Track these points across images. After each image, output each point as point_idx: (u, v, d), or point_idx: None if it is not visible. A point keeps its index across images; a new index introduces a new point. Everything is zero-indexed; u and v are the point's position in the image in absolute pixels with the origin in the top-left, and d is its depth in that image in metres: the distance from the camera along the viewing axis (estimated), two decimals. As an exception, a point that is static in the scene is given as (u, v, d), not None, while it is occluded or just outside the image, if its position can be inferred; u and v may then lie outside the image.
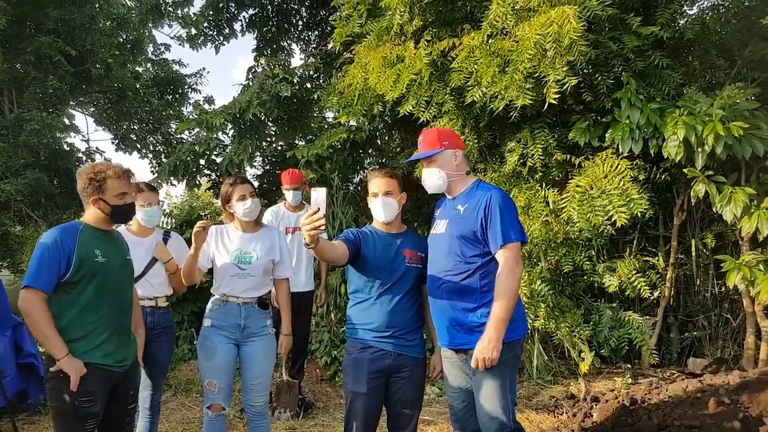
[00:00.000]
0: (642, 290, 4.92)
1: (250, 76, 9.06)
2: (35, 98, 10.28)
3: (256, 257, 3.27)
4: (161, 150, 12.81)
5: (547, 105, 4.24)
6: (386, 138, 7.88)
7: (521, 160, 5.04)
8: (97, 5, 11.30)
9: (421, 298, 2.98)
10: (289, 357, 4.86)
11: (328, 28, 7.96)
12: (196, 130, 8.03)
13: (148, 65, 13.31)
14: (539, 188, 4.95)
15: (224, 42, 9.21)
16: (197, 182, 8.10)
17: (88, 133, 15.45)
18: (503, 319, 2.53)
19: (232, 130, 7.70)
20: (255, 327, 3.28)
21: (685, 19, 5.43)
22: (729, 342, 5.42)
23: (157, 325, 3.52)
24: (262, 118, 7.33)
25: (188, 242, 3.80)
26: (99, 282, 2.61)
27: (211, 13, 8.62)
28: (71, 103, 12.15)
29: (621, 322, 5.15)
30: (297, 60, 18.34)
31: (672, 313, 5.69)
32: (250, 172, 8.67)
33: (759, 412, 3.45)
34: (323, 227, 2.39)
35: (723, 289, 5.38)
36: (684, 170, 4.52)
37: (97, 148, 12.01)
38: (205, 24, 8.84)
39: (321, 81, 8.28)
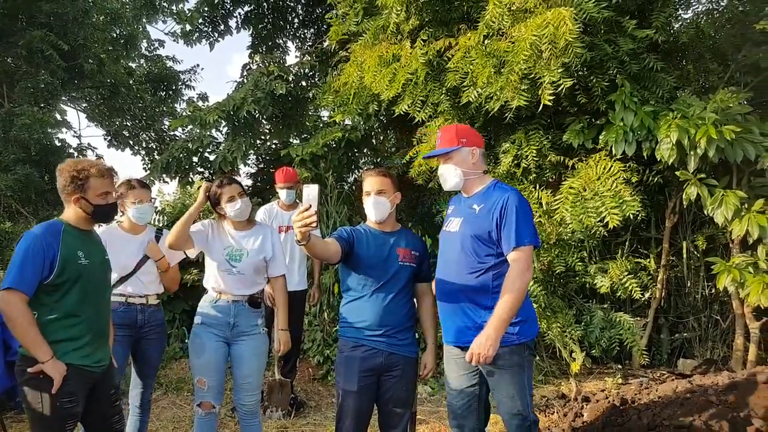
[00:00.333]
0: (633, 291, 4.95)
1: (245, 73, 9.01)
2: (26, 93, 10.17)
3: (246, 254, 3.26)
4: (154, 147, 12.71)
5: (541, 106, 4.26)
6: (381, 137, 7.88)
7: (515, 161, 5.06)
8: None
9: (414, 297, 2.99)
10: (281, 356, 4.85)
11: (324, 26, 7.95)
12: (190, 127, 7.97)
13: (142, 61, 13.21)
14: (533, 189, 4.97)
15: (219, 38, 9.15)
16: (190, 180, 8.06)
17: (80, 129, 15.40)
18: (505, 319, 2.54)
19: (226, 128, 7.66)
20: (245, 325, 3.27)
21: (680, 23, 5.48)
22: (718, 343, 5.46)
23: (147, 323, 3.50)
24: (257, 115, 7.30)
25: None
26: (82, 284, 2.56)
27: (206, 9, 8.56)
28: (63, 98, 12.03)
29: (612, 323, 5.19)
30: (292, 58, 18.31)
31: (663, 314, 5.73)
32: (244, 170, 8.66)
33: (747, 413, 3.47)
34: (314, 224, 2.39)
35: (713, 291, 5.42)
36: (676, 173, 4.55)
37: (89, 144, 11.97)
38: (200, 20, 8.78)
39: (316, 79, 8.27)
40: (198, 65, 14.57)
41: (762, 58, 4.87)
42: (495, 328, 2.53)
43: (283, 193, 4.79)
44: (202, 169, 8.06)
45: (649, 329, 5.50)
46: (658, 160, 4.51)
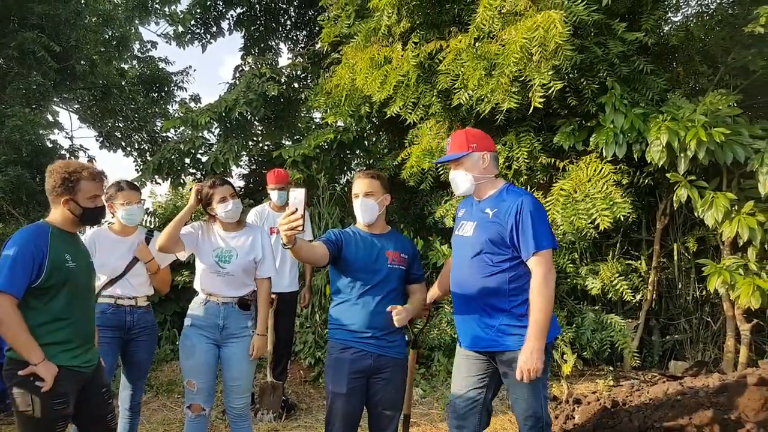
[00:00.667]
0: (624, 293, 4.97)
1: (237, 75, 9.01)
2: (18, 94, 10.10)
3: (236, 256, 3.25)
4: (146, 148, 12.64)
5: (532, 109, 4.28)
6: (373, 139, 7.88)
7: (506, 163, 5.07)
8: (82, 1, 11.17)
9: (403, 299, 2.98)
10: (272, 358, 4.84)
11: (317, 28, 7.94)
12: (182, 128, 7.95)
13: (134, 62, 13.13)
14: (524, 191, 4.97)
15: (211, 40, 9.17)
16: (182, 181, 8.03)
17: (71, 130, 15.23)
18: (543, 327, 2.54)
19: (218, 129, 7.65)
20: (235, 328, 3.26)
21: (670, 26, 5.50)
22: (709, 345, 5.47)
23: (137, 325, 3.48)
24: (249, 117, 7.29)
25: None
26: (69, 288, 2.55)
27: (198, 11, 8.56)
28: (55, 99, 11.95)
29: (603, 325, 5.21)
30: (284, 59, 18.28)
31: (654, 316, 5.74)
32: (236, 172, 8.64)
33: (738, 415, 3.48)
34: (301, 228, 2.38)
35: (704, 292, 5.44)
36: (667, 175, 4.57)
37: (81, 145, 11.96)
38: (193, 22, 8.78)
39: (308, 81, 8.26)
40: (190, 67, 14.52)
41: (751, 60, 4.89)
42: (536, 338, 2.53)
43: (274, 195, 4.79)
44: (194, 171, 8.03)
45: (641, 331, 5.51)
46: (649, 162, 4.53)
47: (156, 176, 7.69)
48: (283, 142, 8.49)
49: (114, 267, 3.42)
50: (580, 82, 4.67)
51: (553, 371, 5.62)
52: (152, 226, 7.27)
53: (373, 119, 6.58)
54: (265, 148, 8.50)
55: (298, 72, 7.99)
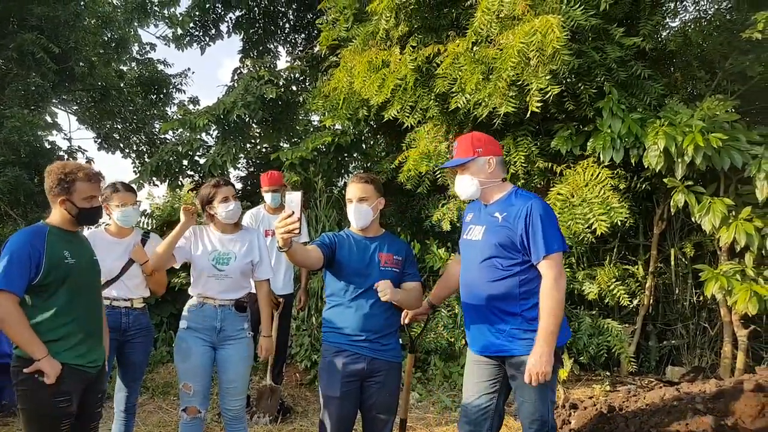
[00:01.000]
0: (621, 298, 4.97)
1: (236, 77, 9.01)
2: (17, 95, 10.11)
3: (234, 258, 3.25)
4: (145, 150, 12.64)
5: (529, 113, 4.27)
6: (371, 142, 7.88)
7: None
8: (82, 3, 11.18)
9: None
10: (272, 361, 4.82)
11: (315, 32, 7.95)
12: (180, 130, 7.96)
13: (133, 64, 13.14)
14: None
15: (210, 43, 9.17)
16: (180, 183, 8.03)
17: (70, 132, 15.25)
18: (553, 332, 2.54)
19: (216, 131, 7.64)
20: (231, 330, 3.26)
21: (668, 31, 5.52)
22: (706, 351, 5.46)
23: (132, 326, 3.48)
24: (247, 119, 7.29)
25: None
26: (70, 284, 2.59)
27: (197, 13, 8.57)
28: (54, 100, 11.95)
29: (600, 330, 5.20)
30: (283, 62, 18.31)
31: (651, 321, 5.73)
32: (234, 174, 8.63)
33: (734, 421, 3.48)
34: (297, 231, 2.37)
35: (701, 298, 5.43)
36: (664, 180, 4.57)
37: (79, 146, 11.88)
38: (191, 24, 8.79)
39: (307, 84, 8.27)
40: (189, 69, 14.55)
41: (749, 66, 4.89)
42: (546, 342, 2.53)
43: (268, 197, 4.77)
44: (192, 173, 8.03)
45: (637, 336, 5.50)
46: (646, 167, 4.53)
47: (154, 178, 7.69)
48: (281, 144, 8.49)
49: (110, 268, 3.41)
50: (578, 86, 4.67)
51: (550, 376, 5.62)
52: (149, 228, 7.27)
53: (371, 122, 6.59)
54: (263, 150, 8.50)
55: (297, 75, 8.00)
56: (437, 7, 5.10)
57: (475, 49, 4.43)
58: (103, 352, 2.87)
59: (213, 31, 9.07)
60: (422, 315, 3.18)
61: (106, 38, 12.28)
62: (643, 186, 5.07)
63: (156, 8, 11.37)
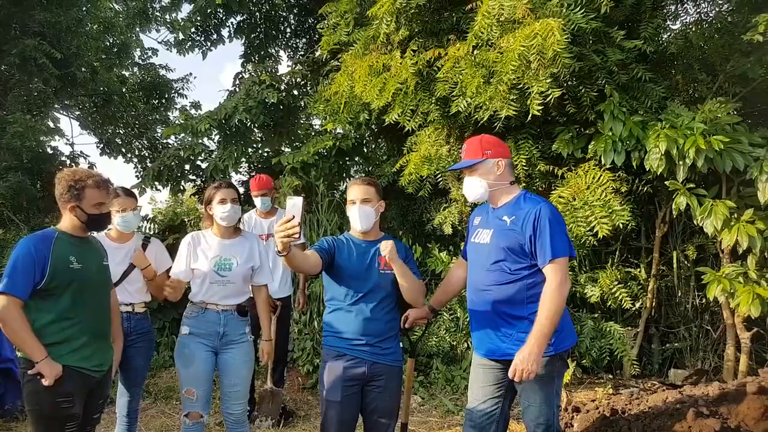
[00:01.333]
0: (624, 301, 4.95)
1: (237, 82, 9.03)
2: (19, 101, 10.17)
3: (236, 264, 3.25)
4: (147, 155, 12.66)
5: (530, 116, 4.27)
6: (372, 146, 7.89)
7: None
8: (84, 8, 11.22)
9: (398, 305, 2.97)
10: (272, 365, 4.82)
11: (316, 36, 7.97)
12: (182, 135, 7.98)
13: (135, 69, 13.19)
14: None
15: (211, 47, 9.18)
16: (182, 187, 8.05)
17: (72, 137, 15.26)
18: (546, 334, 2.54)
19: (218, 136, 7.66)
20: (233, 334, 3.26)
21: (669, 34, 5.50)
22: (709, 353, 5.45)
23: (134, 331, 3.48)
24: (248, 124, 7.32)
25: (170, 248, 3.78)
26: (75, 288, 2.64)
27: (198, 18, 8.58)
28: (56, 106, 12.00)
29: (602, 333, 5.20)
30: (284, 67, 18.33)
31: (653, 324, 5.72)
32: (236, 178, 8.65)
33: (737, 424, 3.46)
34: (297, 236, 2.37)
35: (704, 300, 5.42)
36: (666, 183, 4.56)
37: (81, 151, 11.88)
38: (193, 29, 8.80)
39: (308, 88, 8.28)
40: (191, 74, 14.58)
41: (750, 68, 4.88)
42: (537, 342, 2.52)
43: (258, 201, 4.76)
44: (193, 177, 8.06)
45: (640, 339, 5.49)
46: (647, 169, 4.51)
47: (156, 183, 7.72)
48: (283, 148, 8.50)
49: (111, 273, 3.41)
50: (579, 89, 4.67)
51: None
52: (152, 233, 7.29)
53: (372, 126, 6.59)
54: (265, 154, 8.52)
55: (298, 79, 8.03)
56: (438, 11, 5.10)
57: (475, 52, 4.43)
58: (111, 356, 2.91)
59: (214, 36, 9.08)
60: (423, 319, 3.17)
61: (108, 43, 12.33)
62: (645, 189, 5.07)
63: (157, 13, 11.45)
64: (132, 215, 3.53)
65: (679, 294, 5.63)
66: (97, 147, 12.77)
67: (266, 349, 3.36)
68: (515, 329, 2.69)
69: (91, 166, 11.76)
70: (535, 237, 2.62)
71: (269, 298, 3.82)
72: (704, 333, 5.53)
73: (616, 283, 5.04)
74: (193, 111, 12.09)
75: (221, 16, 8.78)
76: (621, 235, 5.43)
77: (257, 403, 4.74)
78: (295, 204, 2.42)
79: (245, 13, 8.79)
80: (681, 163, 4.31)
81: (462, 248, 3.21)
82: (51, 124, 12.17)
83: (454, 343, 5.61)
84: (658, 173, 4.45)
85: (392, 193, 6.44)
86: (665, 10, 5.39)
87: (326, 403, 2.84)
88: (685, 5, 5.78)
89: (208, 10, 8.39)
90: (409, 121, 5.11)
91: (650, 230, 5.65)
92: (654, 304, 5.51)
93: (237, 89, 8.49)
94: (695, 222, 4.55)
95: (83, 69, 10.95)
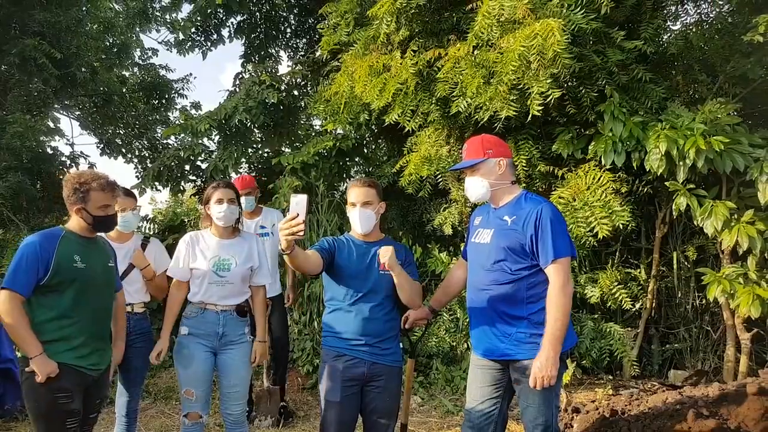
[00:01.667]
0: (623, 302, 4.95)
1: (237, 82, 9.03)
2: (19, 101, 10.14)
3: (235, 264, 3.25)
4: (147, 155, 12.63)
5: (530, 117, 4.27)
6: (372, 146, 7.89)
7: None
8: (84, 8, 11.21)
9: (397, 306, 2.97)
10: (269, 363, 4.82)
11: (316, 36, 7.96)
12: (182, 135, 7.97)
13: (135, 70, 13.16)
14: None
15: (212, 48, 9.17)
16: (182, 188, 8.04)
17: (72, 137, 15.25)
18: (559, 337, 2.54)
19: (218, 136, 7.66)
20: (233, 335, 3.26)
21: (669, 35, 5.49)
22: (709, 354, 5.45)
23: (133, 331, 3.49)
24: (248, 124, 7.31)
25: (169, 248, 3.78)
26: (78, 287, 2.67)
27: (198, 18, 8.57)
28: (56, 106, 11.97)
29: (602, 334, 5.19)
30: (284, 67, 18.32)
31: (653, 324, 5.72)
32: (235, 179, 8.63)
33: (737, 425, 3.46)
34: (302, 233, 2.38)
35: (704, 301, 5.42)
36: (666, 183, 4.56)
37: (81, 152, 11.84)
38: (193, 29, 8.80)
39: (308, 88, 8.27)
40: (191, 74, 14.56)
41: (750, 69, 4.88)
42: (552, 347, 2.53)
43: (242, 201, 4.75)
44: (194, 178, 8.05)
45: (640, 340, 5.49)
46: (648, 170, 4.51)
47: (156, 183, 7.72)
48: (283, 149, 8.50)
49: None
50: (579, 90, 4.67)
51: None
52: (151, 233, 7.28)
53: (372, 126, 6.58)
54: (265, 155, 8.52)
55: (298, 79, 8.02)
56: (438, 12, 5.10)
57: (475, 53, 4.42)
58: (108, 356, 2.93)
59: (214, 36, 9.07)
60: (422, 320, 3.17)
61: (107, 43, 12.31)
62: (645, 189, 5.06)
63: (158, 13, 11.43)
64: (131, 215, 3.54)
65: (679, 295, 5.63)
66: (97, 147, 12.75)
67: (259, 350, 3.34)
68: (514, 329, 2.68)
69: (92, 166, 11.74)
70: (537, 237, 2.61)
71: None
72: (704, 334, 5.53)
73: (616, 283, 5.04)
74: (193, 111, 12.06)
75: (221, 16, 8.77)
76: (621, 235, 5.43)
77: (255, 402, 4.74)
78: (299, 202, 2.43)
79: (245, 13, 8.78)
80: (681, 163, 4.31)
81: (462, 249, 3.20)
82: (51, 124, 12.16)
83: (454, 343, 5.61)
84: (658, 174, 4.45)
85: (392, 193, 6.43)
86: (665, 11, 5.39)
87: (326, 404, 2.84)
88: (686, 6, 5.78)
89: (208, 10, 8.38)
90: (409, 121, 5.11)
91: (650, 231, 5.64)
92: (654, 304, 5.51)
93: (237, 89, 8.49)
94: (695, 223, 4.55)
95: (83, 69, 10.93)
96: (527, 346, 2.64)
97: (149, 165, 11.18)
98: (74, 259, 2.67)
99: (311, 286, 5.86)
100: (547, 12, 4.09)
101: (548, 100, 4.14)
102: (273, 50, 9.55)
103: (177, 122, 9.77)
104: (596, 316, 5.46)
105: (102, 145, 12.70)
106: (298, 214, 2.38)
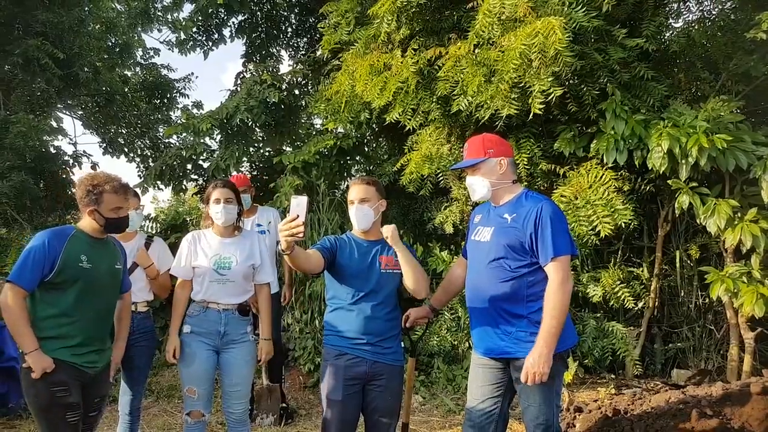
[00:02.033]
0: (626, 301, 4.94)
1: (239, 81, 9.03)
2: (22, 101, 10.19)
3: (235, 262, 3.25)
4: (149, 154, 12.68)
5: (532, 115, 4.26)
6: (373, 145, 7.88)
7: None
8: (86, 8, 11.24)
9: (399, 305, 2.96)
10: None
11: (317, 35, 7.97)
12: (184, 135, 7.99)
13: (137, 69, 13.22)
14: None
15: (213, 47, 9.19)
16: (183, 187, 8.05)
17: (75, 137, 15.32)
18: (554, 334, 2.53)
19: (220, 136, 7.67)
20: (235, 334, 3.26)
21: (671, 32, 5.48)
22: (712, 353, 5.42)
23: (136, 330, 3.48)
24: (250, 123, 7.32)
25: (171, 247, 3.78)
26: (81, 287, 2.69)
27: (200, 18, 8.59)
28: (59, 106, 12.04)
29: (605, 333, 5.18)
30: (285, 66, 18.34)
31: (656, 323, 5.70)
32: (237, 178, 8.64)
33: (741, 424, 3.45)
34: (301, 234, 2.37)
35: (707, 300, 5.39)
36: (668, 181, 4.54)
37: (84, 151, 11.92)
38: (194, 29, 8.82)
39: (309, 88, 8.28)
40: (192, 73, 14.61)
41: (753, 66, 4.86)
42: (546, 344, 2.51)
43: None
44: (195, 177, 8.06)
45: (642, 339, 5.46)
46: (650, 168, 4.50)
47: (158, 182, 7.73)
48: (284, 148, 8.50)
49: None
50: (581, 88, 4.66)
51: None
52: (154, 232, 7.29)
53: (373, 125, 6.59)
54: (266, 154, 8.52)
55: (299, 79, 8.02)
56: (438, 10, 5.10)
57: (476, 51, 4.42)
58: (108, 356, 2.94)
59: (216, 36, 9.09)
60: (423, 319, 3.16)
61: (110, 43, 12.36)
62: (648, 188, 5.04)
63: (159, 13, 11.46)
64: (134, 214, 3.53)
65: (682, 293, 5.60)
66: (100, 146, 12.81)
67: (265, 348, 3.35)
68: (514, 327, 2.67)
69: (94, 165, 11.79)
70: (537, 235, 2.60)
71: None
72: (707, 333, 5.50)
73: (618, 282, 5.02)
74: (195, 110, 12.10)
75: (223, 15, 8.79)
76: (623, 234, 5.41)
77: (256, 400, 4.74)
78: (299, 203, 2.43)
79: (246, 12, 8.79)
80: (684, 161, 4.30)
81: (463, 247, 3.20)
82: (54, 124, 12.21)
83: (456, 342, 5.60)
84: (661, 172, 4.43)
85: (393, 192, 6.42)
86: (667, 8, 5.37)
87: (327, 402, 2.84)
88: (688, 3, 5.76)
89: (210, 10, 8.39)
90: (410, 120, 5.11)
91: (653, 229, 5.62)
92: (657, 303, 5.49)
93: (238, 89, 8.49)
94: (698, 221, 4.53)
95: (86, 69, 10.97)
96: (527, 344, 2.62)
97: (151, 164, 11.21)
98: (80, 258, 2.69)
99: (312, 284, 5.86)
100: (548, 10, 4.09)
101: (550, 98, 4.13)
102: (274, 49, 9.56)
103: (179, 121, 9.77)
104: (599, 315, 5.44)
105: (104, 145, 12.75)
106: (298, 216, 2.38)
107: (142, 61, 13.24)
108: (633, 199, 4.80)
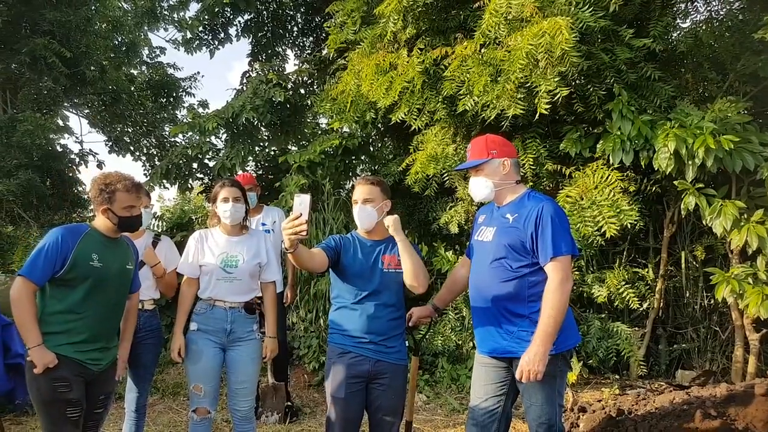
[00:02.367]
0: (631, 301, 4.93)
1: (244, 80, 9.05)
2: (29, 99, 10.24)
3: (242, 260, 3.26)
4: (155, 153, 12.72)
5: (538, 115, 4.25)
6: (379, 145, 7.88)
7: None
8: (93, 7, 11.27)
9: (403, 304, 2.97)
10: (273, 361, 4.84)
11: (323, 35, 7.98)
12: (189, 133, 8.01)
13: (143, 68, 13.24)
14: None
15: (219, 46, 9.19)
16: (189, 185, 8.07)
17: (81, 135, 15.35)
18: (551, 333, 2.53)
19: (225, 135, 7.68)
20: (241, 332, 3.28)
21: (678, 32, 5.47)
22: (717, 354, 5.41)
23: (143, 328, 3.50)
24: (255, 122, 7.32)
25: (177, 246, 3.80)
26: (90, 285, 2.72)
27: (206, 17, 8.59)
28: (65, 104, 12.06)
29: (609, 333, 5.18)
30: (291, 65, 18.32)
31: (661, 324, 5.69)
32: (243, 177, 8.65)
33: (745, 425, 3.44)
34: (305, 233, 2.38)
35: (712, 301, 5.38)
36: (674, 182, 4.53)
37: (90, 149, 11.94)
38: (201, 28, 8.82)
39: (314, 87, 8.28)
40: (198, 72, 14.63)
41: (761, 67, 4.84)
42: (542, 342, 2.51)
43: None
44: (201, 175, 8.08)
45: (647, 339, 5.46)
46: (656, 169, 4.49)
47: (164, 181, 7.74)
48: (289, 147, 8.51)
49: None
50: (587, 88, 4.65)
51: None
52: (160, 231, 7.32)
53: (379, 125, 6.59)
54: (272, 153, 8.53)
55: (305, 78, 8.01)
56: (445, 10, 5.10)
57: (483, 51, 4.42)
58: (113, 354, 2.96)
59: (222, 35, 9.09)
60: (426, 318, 3.17)
61: (116, 42, 12.38)
62: (653, 188, 5.04)
63: (166, 12, 11.48)
64: (143, 213, 3.54)
65: (688, 295, 5.60)
66: (106, 145, 12.84)
67: (270, 346, 3.36)
68: (516, 327, 2.68)
69: (100, 164, 11.85)
70: (537, 235, 2.61)
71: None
72: (712, 334, 5.49)
73: (623, 283, 5.02)
74: (200, 109, 12.12)
75: (229, 14, 8.80)
76: (629, 234, 5.40)
77: (261, 398, 4.76)
78: (302, 202, 2.43)
79: (253, 11, 8.80)
80: (690, 162, 4.29)
81: (467, 247, 3.20)
82: (60, 123, 12.24)
83: (460, 342, 5.61)
84: (667, 173, 4.43)
85: (398, 192, 6.43)
86: (675, 8, 5.36)
87: (332, 400, 2.86)
88: (696, 3, 5.74)
89: (216, 9, 8.39)
90: (415, 119, 5.11)
91: (658, 230, 5.62)
92: (662, 304, 5.48)
93: (244, 88, 8.50)
94: (704, 222, 4.52)
95: (92, 68, 11.00)
96: (529, 344, 2.63)
97: (157, 163, 11.25)
98: (92, 257, 2.73)
99: (317, 283, 5.87)
100: (554, 10, 4.08)
101: (556, 98, 4.13)
102: (280, 49, 9.57)
103: (185, 120, 9.80)
104: (603, 315, 5.44)
105: (111, 143, 12.79)
106: (301, 214, 2.39)
107: (149, 60, 13.28)
108: (639, 200, 4.79)
